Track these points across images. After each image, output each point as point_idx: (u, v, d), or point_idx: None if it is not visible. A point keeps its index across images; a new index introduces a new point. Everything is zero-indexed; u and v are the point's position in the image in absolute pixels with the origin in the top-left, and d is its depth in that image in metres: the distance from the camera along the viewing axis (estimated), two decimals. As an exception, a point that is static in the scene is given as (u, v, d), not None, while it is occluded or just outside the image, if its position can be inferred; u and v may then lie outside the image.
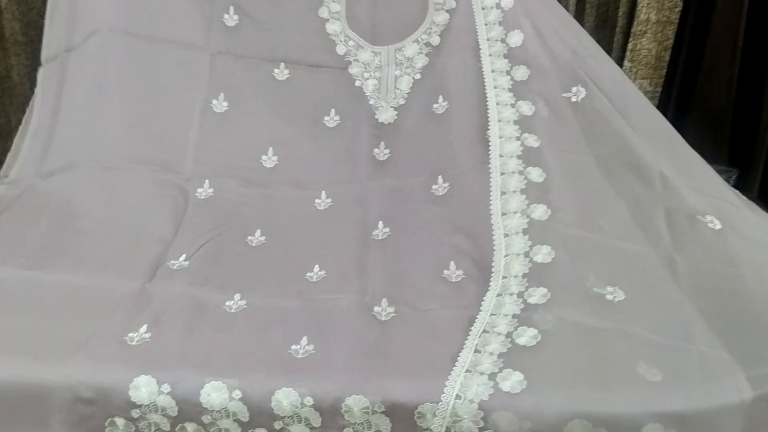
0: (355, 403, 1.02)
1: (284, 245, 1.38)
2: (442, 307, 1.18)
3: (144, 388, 1.04)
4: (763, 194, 1.58)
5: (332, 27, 1.54)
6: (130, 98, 1.52)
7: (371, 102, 1.55)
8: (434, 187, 1.43)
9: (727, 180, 1.51)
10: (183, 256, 1.34)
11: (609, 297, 1.17)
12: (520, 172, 1.35)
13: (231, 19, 1.54)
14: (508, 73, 1.46)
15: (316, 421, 1.04)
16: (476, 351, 1.07)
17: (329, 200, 1.48)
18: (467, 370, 1.03)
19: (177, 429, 1.06)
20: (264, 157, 1.56)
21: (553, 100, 1.44)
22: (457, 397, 1.01)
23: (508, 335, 1.10)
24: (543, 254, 1.24)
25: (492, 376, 1.03)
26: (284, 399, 1.03)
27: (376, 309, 1.19)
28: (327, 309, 1.19)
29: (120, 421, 1.05)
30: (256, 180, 1.52)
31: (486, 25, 1.48)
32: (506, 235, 1.24)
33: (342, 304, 1.21)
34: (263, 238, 1.40)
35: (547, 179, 1.34)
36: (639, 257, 1.25)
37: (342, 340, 1.12)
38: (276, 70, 1.55)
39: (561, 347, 1.07)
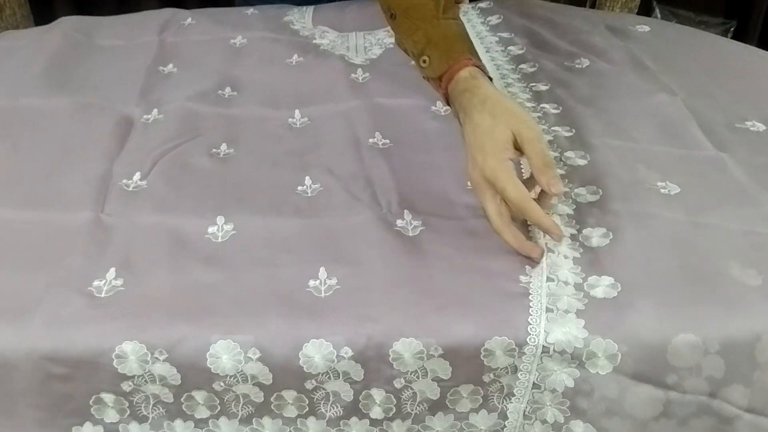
0: (405, 349, 0.78)
1: (259, 158, 1.08)
2: (475, 216, 0.94)
3: (132, 357, 0.76)
4: (762, 48, 1.41)
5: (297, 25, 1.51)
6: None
7: (339, 53, 1.39)
8: (433, 108, 1.19)
9: (725, 33, 1.33)
10: (137, 174, 1.03)
11: (663, 191, 0.97)
12: (533, 108, 1.18)
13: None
14: (503, 51, 1.38)
15: (358, 375, 0.80)
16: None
17: (305, 119, 1.18)
18: (548, 278, 0.83)
19: (183, 399, 0.79)
20: (221, 92, 1.26)
21: (554, 65, 1.32)
22: (548, 309, 0.79)
23: (574, 237, 0.88)
24: (576, 158, 1.03)
25: (578, 286, 0.82)
26: (315, 353, 0.78)
27: (399, 223, 0.93)
28: (339, 229, 0.93)
29: (108, 398, 0.77)
30: (215, 103, 1.23)
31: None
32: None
33: (355, 220, 0.94)
34: (231, 150, 1.10)
35: (563, 110, 1.17)
36: (682, 158, 1.05)
37: (369, 267, 0.86)
38: (233, 40, 1.43)
39: (640, 243, 0.87)
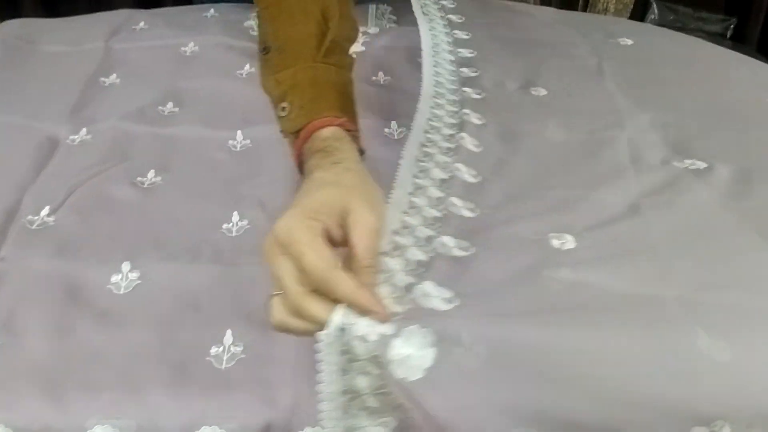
0: (313, 437, 0.66)
1: (187, 188, 0.96)
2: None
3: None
4: (762, 45, 1.26)
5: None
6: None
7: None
8: (386, 131, 1.05)
9: (724, 30, 1.18)
10: (46, 209, 0.91)
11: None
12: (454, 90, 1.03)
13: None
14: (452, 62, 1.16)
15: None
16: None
17: (247, 141, 1.05)
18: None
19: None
20: (161, 108, 1.13)
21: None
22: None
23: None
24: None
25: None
26: (207, 437, 0.65)
27: None
28: (258, 280, 0.80)
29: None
30: (152, 122, 1.10)
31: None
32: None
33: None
34: (158, 178, 0.97)
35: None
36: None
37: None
38: (184, 48, 1.30)
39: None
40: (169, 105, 1.13)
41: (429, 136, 0.89)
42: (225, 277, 0.81)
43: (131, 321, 0.75)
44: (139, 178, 0.97)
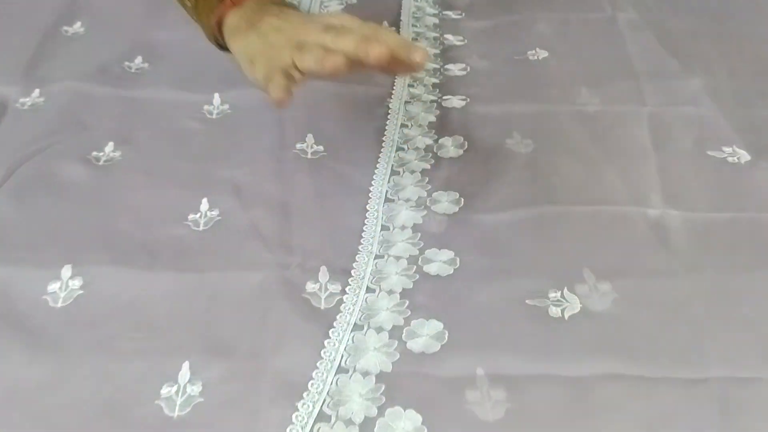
0: None
1: (151, 165, 0.80)
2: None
3: None
4: None
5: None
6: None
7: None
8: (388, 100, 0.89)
9: None
10: (-19, 195, 0.74)
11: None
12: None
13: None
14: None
15: None
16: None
17: (225, 106, 0.88)
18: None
19: None
20: (128, 64, 0.96)
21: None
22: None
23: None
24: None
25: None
26: None
27: (310, 287, 0.65)
28: (224, 293, 0.65)
29: None
30: (116, 82, 0.92)
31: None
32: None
33: (250, 279, 0.66)
34: (117, 153, 0.80)
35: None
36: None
37: (248, 367, 0.59)
38: None
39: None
40: (138, 60, 0.96)
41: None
42: (185, 288, 0.65)
43: (66, 345, 0.60)
44: (94, 153, 0.80)
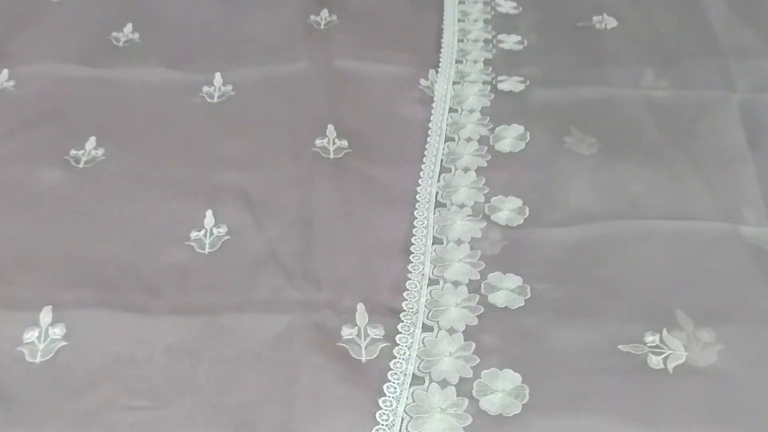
0: None
1: (139, 166, 0.67)
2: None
3: None
4: None
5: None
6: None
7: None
8: (423, 83, 0.73)
9: None
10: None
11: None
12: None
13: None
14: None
15: None
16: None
17: (228, 87, 0.74)
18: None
19: None
20: (115, 35, 0.81)
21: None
22: None
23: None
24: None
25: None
26: None
27: (346, 333, 0.53)
28: (242, 348, 0.52)
29: None
30: (100, 61, 0.78)
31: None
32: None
33: (274, 324, 0.53)
34: (99, 151, 0.67)
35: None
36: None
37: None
38: None
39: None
40: (128, 29, 0.81)
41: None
42: (192, 339, 0.52)
43: (48, 418, 0.48)
44: (73, 152, 0.67)
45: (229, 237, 0.59)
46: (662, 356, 0.50)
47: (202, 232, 0.59)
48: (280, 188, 0.62)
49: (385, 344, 0.51)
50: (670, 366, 0.49)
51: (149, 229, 0.60)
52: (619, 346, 0.51)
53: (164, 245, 0.59)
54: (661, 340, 0.51)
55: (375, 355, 0.51)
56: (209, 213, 0.61)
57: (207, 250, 0.58)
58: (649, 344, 0.51)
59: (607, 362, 0.50)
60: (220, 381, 0.49)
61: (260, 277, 0.56)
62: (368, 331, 0.52)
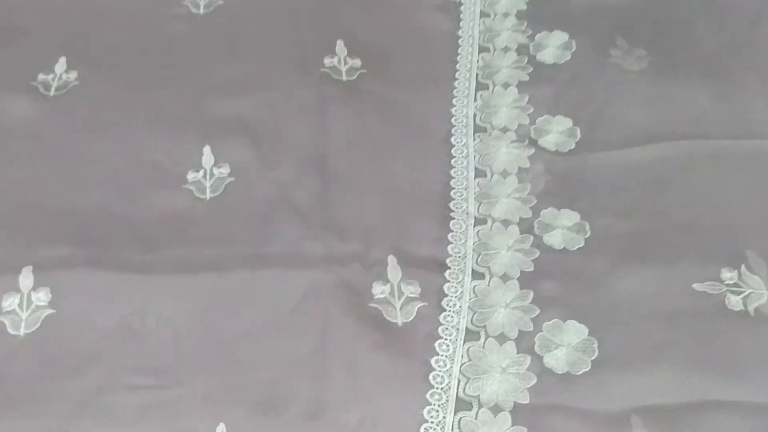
0: None
1: (120, 93, 0.57)
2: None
3: None
4: None
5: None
6: None
7: None
8: None
9: None
10: None
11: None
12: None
13: None
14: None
15: None
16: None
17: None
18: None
19: None
20: None
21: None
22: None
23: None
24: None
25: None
26: None
27: (378, 290, 0.46)
28: (258, 313, 0.46)
29: None
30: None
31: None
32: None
33: (294, 280, 0.46)
34: (72, 75, 0.58)
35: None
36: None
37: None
38: None
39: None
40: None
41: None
42: (198, 302, 0.45)
43: (39, 404, 0.41)
44: (41, 77, 0.58)
45: (232, 179, 0.51)
46: (741, 296, 0.44)
47: (201, 173, 0.51)
48: (286, 118, 0.54)
49: (422, 304, 0.44)
50: (751, 307, 0.44)
51: (138, 170, 0.52)
52: (694, 285, 0.44)
53: (157, 190, 0.51)
54: (740, 278, 0.45)
55: (412, 317, 0.44)
56: (207, 150, 0.52)
57: (208, 195, 0.50)
58: (726, 282, 0.45)
59: (681, 305, 0.44)
60: (238, 353, 0.42)
61: (273, 227, 0.48)
62: (402, 289, 0.45)
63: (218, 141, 0.52)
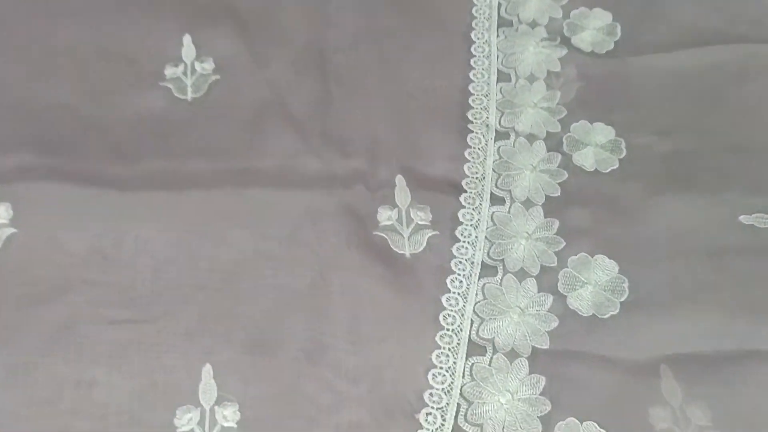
0: None
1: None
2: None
3: None
4: None
5: None
6: None
7: None
8: None
9: None
10: None
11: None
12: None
13: None
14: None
15: None
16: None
17: None
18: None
19: None
20: None
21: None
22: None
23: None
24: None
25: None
26: None
27: (384, 217, 0.41)
28: (249, 238, 0.40)
29: None
30: None
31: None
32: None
33: (291, 209, 0.41)
34: None
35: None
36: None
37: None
38: None
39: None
40: None
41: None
42: (181, 224, 0.40)
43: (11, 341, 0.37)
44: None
45: (217, 77, 0.44)
46: (791, 228, 0.39)
47: (181, 68, 0.44)
48: (281, 5, 0.46)
49: (433, 233, 0.39)
50: None
51: (107, 61, 0.45)
52: (741, 217, 0.39)
53: (130, 87, 0.44)
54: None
55: (421, 248, 0.39)
56: (187, 39, 0.45)
57: (189, 96, 0.43)
58: None
59: (725, 240, 0.39)
60: (226, 284, 0.38)
61: (265, 136, 0.42)
62: (411, 215, 0.40)
63: (201, 30, 0.45)
